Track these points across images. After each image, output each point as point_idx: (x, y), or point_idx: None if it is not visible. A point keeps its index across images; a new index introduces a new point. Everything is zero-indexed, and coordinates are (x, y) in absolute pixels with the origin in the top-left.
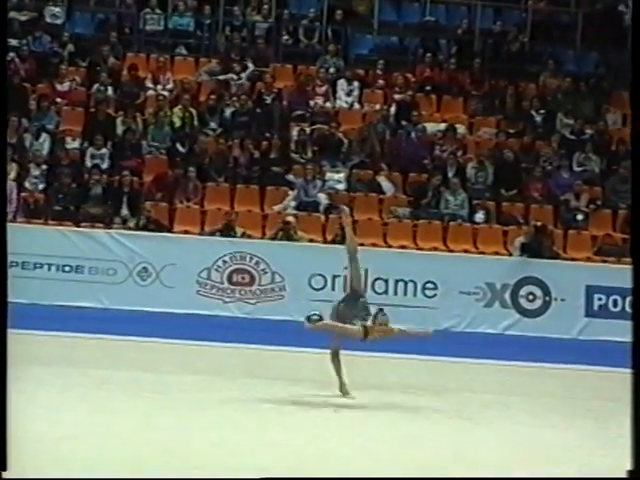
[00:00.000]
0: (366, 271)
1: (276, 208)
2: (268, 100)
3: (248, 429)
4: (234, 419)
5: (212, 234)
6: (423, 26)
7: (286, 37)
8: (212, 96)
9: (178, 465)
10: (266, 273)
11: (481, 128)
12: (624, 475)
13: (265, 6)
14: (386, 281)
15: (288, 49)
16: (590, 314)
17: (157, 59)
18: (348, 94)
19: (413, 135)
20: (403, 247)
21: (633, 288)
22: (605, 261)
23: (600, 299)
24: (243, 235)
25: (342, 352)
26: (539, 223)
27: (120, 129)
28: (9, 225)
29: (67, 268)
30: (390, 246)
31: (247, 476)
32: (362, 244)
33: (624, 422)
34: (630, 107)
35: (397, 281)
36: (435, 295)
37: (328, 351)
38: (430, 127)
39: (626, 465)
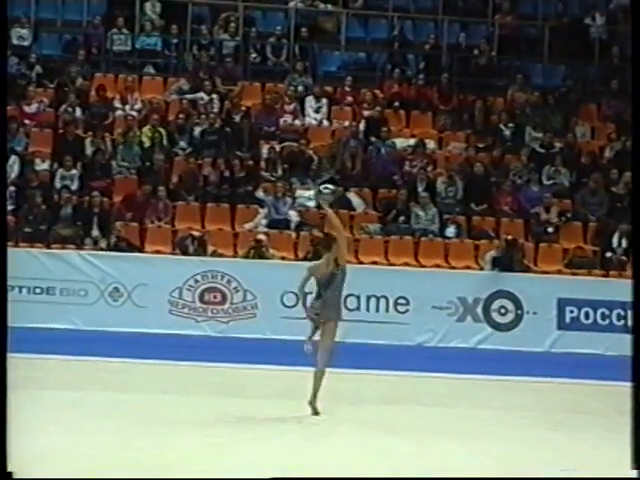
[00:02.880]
0: None
1: (247, 226)
2: (237, 118)
3: (222, 447)
4: (208, 437)
5: (183, 251)
6: (390, 42)
7: (254, 55)
8: (181, 115)
9: None
10: (238, 291)
11: (450, 143)
12: None
13: (232, 24)
14: (358, 297)
15: (256, 67)
16: (562, 327)
17: (125, 79)
18: (317, 111)
19: (383, 151)
20: (374, 263)
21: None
22: (576, 273)
23: (572, 312)
24: (214, 254)
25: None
26: (510, 237)
27: (89, 150)
28: None
29: (38, 290)
30: (361, 262)
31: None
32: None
33: (599, 434)
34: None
35: (369, 297)
36: (407, 310)
37: (301, 368)
38: (399, 143)
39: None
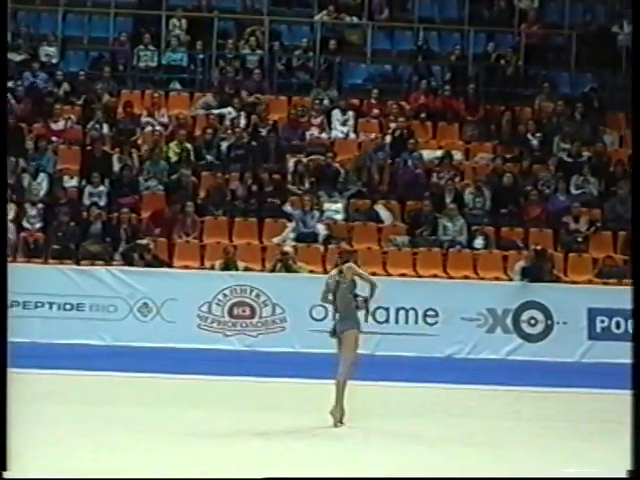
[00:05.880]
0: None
1: (275, 240)
2: (263, 132)
3: (252, 461)
4: (238, 451)
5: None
6: (416, 53)
7: (280, 68)
8: (208, 130)
9: None
10: (267, 305)
11: (478, 153)
12: None
13: (258, 38)
14: (387, 309)
15: (282, 81)
16: (593, 337)
17: (152, 95)
18: (343, 124)
19: (410, 163)
20: (403, 275)
21: (633, 310)
22: (606, 283)
23: (602, 321)
24: (245, 270)
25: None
26: (539, 247)
27: (117, 166)
28: (9, 265)
29: (68, 306)
30: (390, 275)
31: None
32: None
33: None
34: (631, 126)
35: (398, 309)
36: (437, 322)
37: (331, 382)
38: (426, 154)
39: None
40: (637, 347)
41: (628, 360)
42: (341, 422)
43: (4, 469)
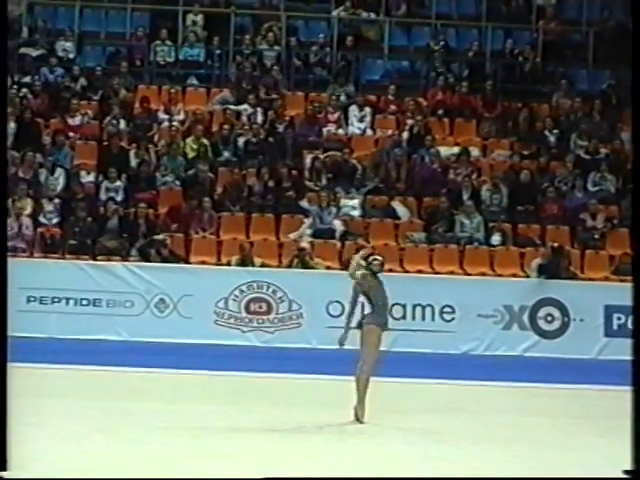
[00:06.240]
0: None
1: (292, 236)
2: (280, 128)
3: (270, 457)
4: (255, 447)
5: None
6: (434, 50)
7: (297, 64)
8: (225, 126)
9: None
10: (283, 301)
11: (495, 150)
12: None
13: (275, 34)
14: (404, 306)
15: (299, 77)
16: (609, 334)
17: (169, 90)
18: (360, 120)
19: (427, 159)
20: (420, 272)
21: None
22: (623, 280)
23: (619, 318)
24: (261, 266)
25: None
26: (556, 244)
27: (134, 161)
28: (26, 260)
29: (85, 301)
30: (407, 271)
31: None
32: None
33: None
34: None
35: (415, 306)
36: (453, 319)
37: (347, 378)
38: (443, 151)
39: None
40: (637, 345)
41: None
42: (360, 420)
43: (4, 469)
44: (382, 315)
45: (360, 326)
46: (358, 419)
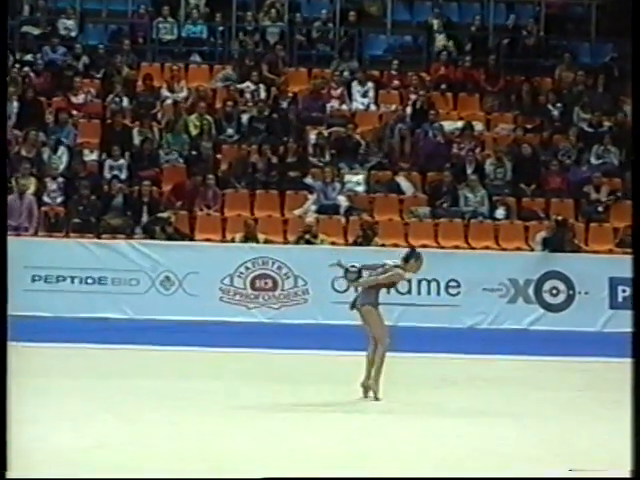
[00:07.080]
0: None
1: (297, 212)
2: (284, 105)
3: (277, 434)
4: (263, 424)
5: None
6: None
7: (300, 40)
8: (228, 103)
9: (207, 472)
10: (289, 277)
11: (498, 124)
12: None
13: (277, 10)
14: (409, 281)
15: (302, 53)
16: (614, 306)
17: (171, 68)
18: (363, 95)
19: (430, 134)
20: (424, 246)
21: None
22: (627, 252)
23: (624, 291)
24: (266, 242)
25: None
26: (560, 217)
27: (137, 139)
28: (31, 240)
29: (90, 280)
30: (412, 246)
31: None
32: (383, 245)
33: None
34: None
35: (420, 280)
36: (458, 293)
37: (353, 353)
38: (447, 125)
39: None
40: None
41: None
42: (376, 398)
43: (4, 469)
44: (371, 294)
45: (354, 306)
46: (369, 396)
